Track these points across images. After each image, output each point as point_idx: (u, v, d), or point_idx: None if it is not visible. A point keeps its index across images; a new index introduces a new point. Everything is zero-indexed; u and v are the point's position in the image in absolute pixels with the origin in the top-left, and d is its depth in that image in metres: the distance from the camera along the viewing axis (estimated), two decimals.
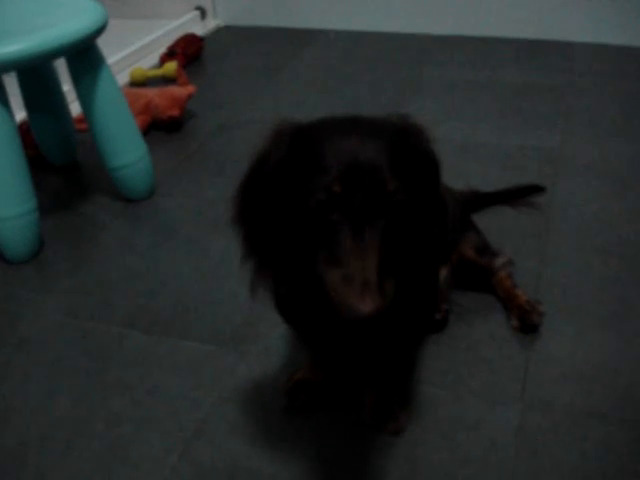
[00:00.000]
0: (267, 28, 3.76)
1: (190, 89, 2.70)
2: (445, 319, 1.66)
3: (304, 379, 1.48)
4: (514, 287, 1.70)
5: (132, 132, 2.17)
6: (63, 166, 2.48)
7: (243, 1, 3.78)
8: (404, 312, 1.19)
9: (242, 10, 3.80)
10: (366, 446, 1.38)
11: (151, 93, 2.68)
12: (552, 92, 2.83)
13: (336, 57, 3.34)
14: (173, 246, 2.03)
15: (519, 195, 2.07)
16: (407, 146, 1.07)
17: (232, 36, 3.71)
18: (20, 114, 2.45)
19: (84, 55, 2.01)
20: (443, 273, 1.62)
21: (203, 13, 3.78)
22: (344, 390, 1.50)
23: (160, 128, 2.70)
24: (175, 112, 2.65)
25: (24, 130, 2.42)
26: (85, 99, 2.08)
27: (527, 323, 1.62)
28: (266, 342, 1.65)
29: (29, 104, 2.34)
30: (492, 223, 1.95)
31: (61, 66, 2.22)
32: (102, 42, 2.07)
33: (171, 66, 3.09)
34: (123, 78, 3.10)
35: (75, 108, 2.52)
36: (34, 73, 2.26)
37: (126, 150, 2.15)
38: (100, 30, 1.98)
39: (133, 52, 3.31)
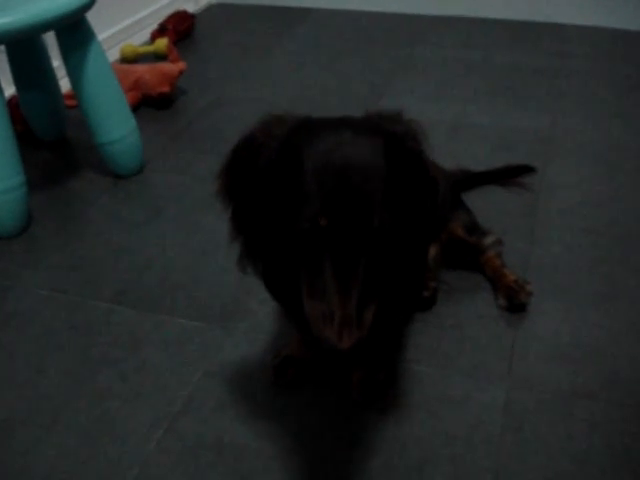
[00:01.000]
0: (259, 6, 3.73)
1: (181, 66, 2.68)
2: (433, 297, 1.66)
3: (291, 355, 1.48)
4: (502, 266, 1.71)
5: (122, 108, 2.15)
6: (52, 142, 2.47)
7: None
8: (392, 290, 1.19)
9: None
10: (352, 423, 1.39)
11: (141, 69, 2.66)
12: (544, 73, 2.83)
13: (328, 36, 3.32)
14: (162, 222, 2.02)
15: (509, 175, 2.08)
16: (400, 156, 1.05)
17: (223, 13, 3.69)
18: (9, 89, 2.43)
19: (74, 30, 1.99)
20: (432, 251, 1.62)
21: None
22: (331, 367, 1.51)
23: (150, 105, 2.68)
24: (165, 89, 2.64)
25: (13, 105, 2.41)
26: (75, 74, 2.06)
27: (515, 302, 1.63)
28: (254, 319, 1.65)
29: (18, 79, 2.32)
30: (482, 203, 1.96)
31: (51, 42, 2.19)
32: (93, 18, 2.04)
33: (162, 43, 3.07)
34: (114, 54, 3.08)
35: (65, 84, 2.50)
36: (24, 48, 2.24)
37: (115, 126, 2.14)
38: (90, 4, 1.95)
39: (124, 28, 3.27)
